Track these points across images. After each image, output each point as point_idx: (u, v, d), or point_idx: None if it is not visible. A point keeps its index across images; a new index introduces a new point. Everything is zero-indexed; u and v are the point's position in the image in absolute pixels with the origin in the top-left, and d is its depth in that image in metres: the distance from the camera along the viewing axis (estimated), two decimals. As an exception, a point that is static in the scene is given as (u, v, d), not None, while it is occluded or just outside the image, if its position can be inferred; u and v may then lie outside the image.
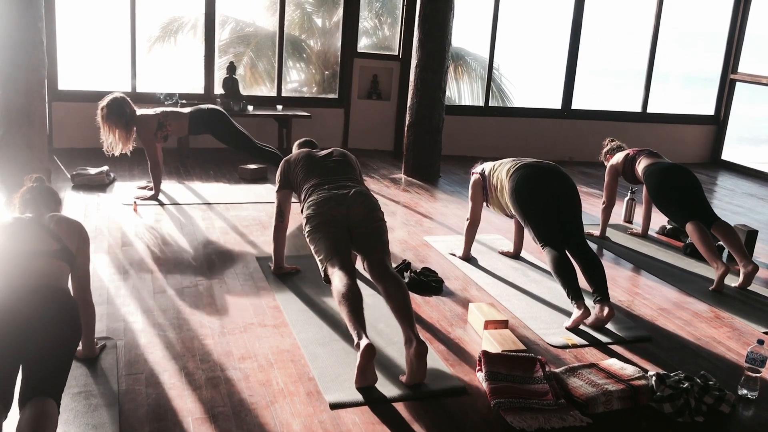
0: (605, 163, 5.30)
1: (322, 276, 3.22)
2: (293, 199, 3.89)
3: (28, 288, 2.40)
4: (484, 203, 4.40)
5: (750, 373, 2.99)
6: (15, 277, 2.42)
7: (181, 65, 8.57)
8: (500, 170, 4.15)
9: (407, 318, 2.92)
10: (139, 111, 5.42)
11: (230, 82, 7.05)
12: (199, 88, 7.33)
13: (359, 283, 3.10)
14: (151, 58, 8.55)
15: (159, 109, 5.52)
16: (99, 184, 5.64)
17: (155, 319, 3.34)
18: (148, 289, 3.70)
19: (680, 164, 4.89)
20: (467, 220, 4.49)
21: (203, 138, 7.17)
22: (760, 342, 3.00)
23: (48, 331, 2.32)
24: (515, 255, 4.65)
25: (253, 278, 3.95)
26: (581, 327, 3.56)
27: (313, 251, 3.32)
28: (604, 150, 5.36)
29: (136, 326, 3.25)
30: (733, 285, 4.36)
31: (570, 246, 3.75)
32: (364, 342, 2.77)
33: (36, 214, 2.66)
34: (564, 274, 3.62)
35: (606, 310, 3.54)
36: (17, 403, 2.22)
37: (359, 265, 3.55)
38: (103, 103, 5.27)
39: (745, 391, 3.01)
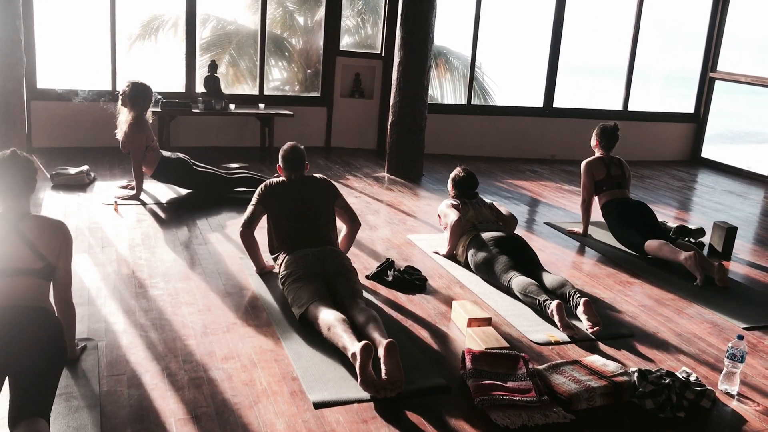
0: (593, 149, 5.30)
1: (298, 317, 3.33)
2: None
3: (9, 310, 2.36)
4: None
5: (730, 369, 3.03)
6: None
7: (162, 64, 8.51)
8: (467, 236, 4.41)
9: (377, 327, 3.06)
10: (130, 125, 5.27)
11: (212, 81, 7.00)
12: (180, 87, 7.28)
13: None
14: (132, 56, 8.49)
15: (149, 130, 5.36)
16: (79, 184, 5.58)
17: (137, 319, 3.31)
18: (129, 289, 3.66)
19: (637, 201, 5.16)
20: (451, 220, 4.49)
21: (184, 137, 7.14)
22: (740, 338, 3.03)
23: (33, 355, 2.29)
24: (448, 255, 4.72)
25: (236, 278, 3.93)
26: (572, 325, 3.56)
27: (290, 300, 3.46)
28: (595, 135, 5.32)
29: (118, 327, 3.22)
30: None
31: (535, 276, 3.99)
32: (359, 345, 2.79)
33: (9, 207, 2.52)
34: (530, 290, 3.76)
35: (581, 301, 3.61)
36: (6, 421, 2.20)
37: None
38: (130, 82, 5.20)
39: (725, 386, 3.05)
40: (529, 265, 4.07)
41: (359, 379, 2.77)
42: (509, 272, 3.96)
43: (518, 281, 3.86)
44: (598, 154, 5.22)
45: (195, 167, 5.49)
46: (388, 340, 2.86)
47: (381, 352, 2.84)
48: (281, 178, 3.93)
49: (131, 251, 4.23)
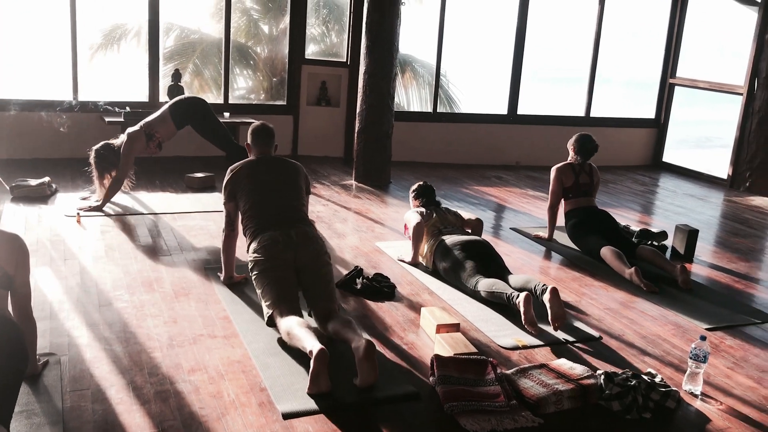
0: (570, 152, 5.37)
1: (266, 320, 3.28)
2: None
3: None
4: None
5: (694, 369, 3.08)
6: None
7: (125, 73, 8.41)
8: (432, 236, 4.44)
9: (351, 327, 3.04)
10: (127, 132, 5.48)
11: (176, 90, 6.93)
12: (143, 96, 7.19)
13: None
14: (94, 66, 8.37)
15: (141, 123, 5.53)
16: (40, 196, 5.47)
17: (101, 333, 3.26)
18: (93, 302, 3.60)
19: (601, 210, 5.24)
20: (412, 226, 4.50)
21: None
22: (703, 338, 3.09)
23: None
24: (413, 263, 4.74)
25: (203, 288, 3.89)
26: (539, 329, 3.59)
27: (258, 293, 3.40)
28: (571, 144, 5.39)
29: (81, 341, 3.16)
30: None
31: (502, 278, 4.00)
32: (317, 347, 2.76)
33: None
34: (497, 287, 3.81)
35: (548, 288, 3.66)
36: None
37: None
38: (92, 155, 5.37)
39: (689, 386, 3.10)
40: (495, 269, 4.09)
41: (308, 386, 2.77)
42: (475, 277, 3.98)
43: (484, 282, 3.89)
44: (568, 162, 5.26)
45: (211, 110, 5.85)
46: (368, 341, 2.85)
47: (359, 352, 2.83)
48: (248, 158, 3.79)
49: (95, 263, 4.16)
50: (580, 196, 5.19)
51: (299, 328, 2.99)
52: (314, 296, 3.36)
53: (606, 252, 4.75)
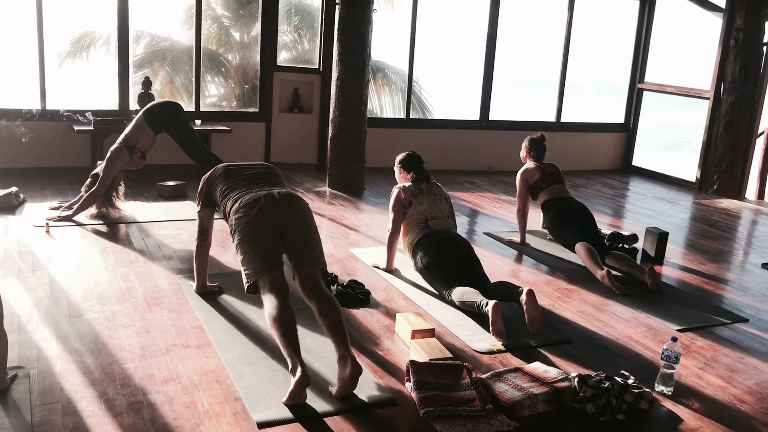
0: (523, 161, 5.45)
1: (246, 287, 3.17)
2: (216, 216, 3.82)
3: None
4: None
5: (665, 370, 3.12)
6: None
7: (95, 81, 8.32)
8: (412, 226, 4.36)
9: (341, 336, 2.91)
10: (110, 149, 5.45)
11: (146, 98, 6.86)
12: (113, 105, 7.11)
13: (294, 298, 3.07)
14: (62, 74, 8.27)
15: (120, 138, 5.49)
16: (8, 206, 5.37)
17: (71, 344, 3.20)
18: (63, 314, 3.54)
19: (578, 202, 5.30)
20: (388, 231, 4.50)
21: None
22: (674, 339, 3.13)
23: None
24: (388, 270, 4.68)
25: (175, 298, 3.85)
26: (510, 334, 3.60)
27: (239, 260, 3.23)
28: (524, 147, 5.47)
29: (51, 353, 3.10)
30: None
31: (483, 289, 3.93)
32: (299, 371, 2.74)
33: None
34: (467, 296, 3.78)
35: (524, 290, 3.66)
36: None
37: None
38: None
39: (661, 387, 3.13)
40: (474, 277, 4.03)
41: (285, 399, 2.75)
42: (449, 286, 3.97)
43: (456, 292, 3.88)
44: (529, 164, 5.35)
45: (185, 116, 5.81)
46: (356, 364, 2.81)
47: (345, 371, 2.81)
48: (223, 164, 3.74)
49: (64, 274, 4.10)
50: (552, 184, 5.25)
51: (288, 333, 2.87)
52: (299, 260, 3.17)
53: (581, 249, 4.79)
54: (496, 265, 4.89)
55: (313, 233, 3.30)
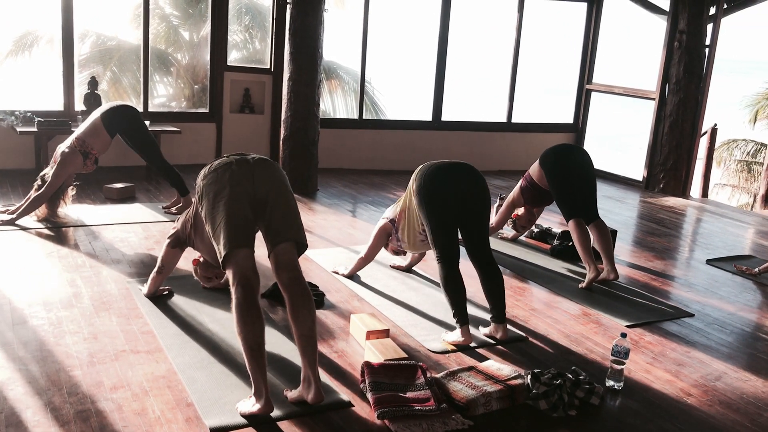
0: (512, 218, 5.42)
1: (221, 264, 2.80)
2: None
3: None
4: (399, 247, 4.25)
5: (615, 366, 3.18)
6: None
7: (39, 81, 8.10)
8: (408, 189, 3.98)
9: (310, 353, 2.75)
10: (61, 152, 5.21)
11: (92, 98, 6.70)
12: (58, 105, 6.92)
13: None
14: (3, 73, 8.03)
15: (71, 138, 5.27)
16: (-54, 210, 5.18)
17: (15, 352, 3.10)
18: (5, 320, 3.42)
19: (577, 147, 5.13)
20: (361, 257, 4.35)
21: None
22: (623, 335, 3.19)
23: None
24: (407, 269, 4.64)
25: (124, 303, 3.76)
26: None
27: (209, 231, 2.87)
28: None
29: (-7, 362, 3.00)
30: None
31: (473, 257, 3.69)
32: (263, 400, 2.64)
33: None
34: (453, 292, 3.54)
35: (500, 333, 3.60)
36: None
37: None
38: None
39: (612, 383, 3.19)
40: (474, 238, 3.66)
41: (246, 413, 2.70)
42: (444, 248, 3.59)
43: (446, 275, 3.56)
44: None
45: (143, 121, 5.63)
46: (319, 391, 2.74)
47: (308, 395, 2.75)
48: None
49: (7, 280, 3.96)
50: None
51: (256, 347, 2.63)
52: (276, 233, 2.86)
53: (576, 228, 4.61)
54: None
55: (291, 204, 2.96)
